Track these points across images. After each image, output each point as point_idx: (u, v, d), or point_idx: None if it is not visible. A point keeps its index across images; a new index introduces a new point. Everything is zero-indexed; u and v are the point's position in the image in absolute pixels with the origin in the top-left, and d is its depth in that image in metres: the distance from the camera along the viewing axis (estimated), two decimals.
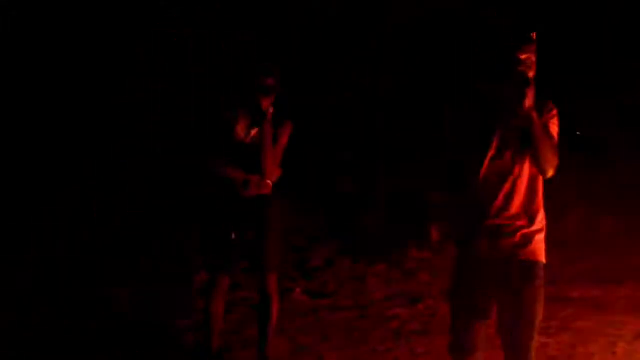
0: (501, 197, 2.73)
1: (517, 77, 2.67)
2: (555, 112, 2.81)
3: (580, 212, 7.41)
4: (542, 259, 2.76)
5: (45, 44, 8.21)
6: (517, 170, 2.74)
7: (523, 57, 2.68)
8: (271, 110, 3.67)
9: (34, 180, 7.16)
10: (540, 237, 2.77)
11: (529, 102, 2.66)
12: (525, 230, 2.73)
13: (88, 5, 8.34)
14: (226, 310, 4.16)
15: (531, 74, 2.69)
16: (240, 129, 3.71)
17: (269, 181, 3.72)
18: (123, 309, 5.02)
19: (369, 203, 7.90)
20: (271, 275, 3.77)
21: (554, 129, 2.78)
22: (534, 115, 2.67)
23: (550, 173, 2.75)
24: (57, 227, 6.67)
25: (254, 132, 3.70)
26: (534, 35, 2.71)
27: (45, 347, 4.29)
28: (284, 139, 3.75)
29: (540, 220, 2.77)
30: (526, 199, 2.76)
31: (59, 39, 8.17)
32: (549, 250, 6.76)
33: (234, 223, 3.73)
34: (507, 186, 2.73)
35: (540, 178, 2.77)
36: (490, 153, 2.70)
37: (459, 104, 2.86)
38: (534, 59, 2.70)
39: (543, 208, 2.79)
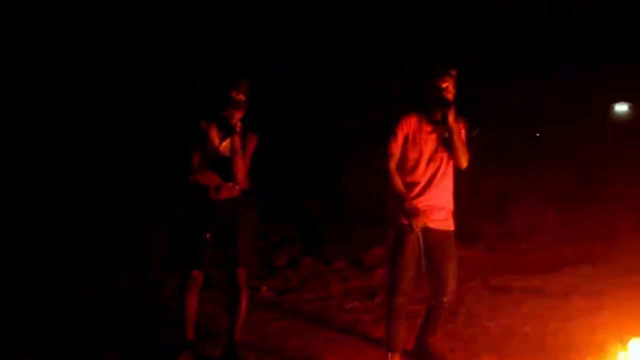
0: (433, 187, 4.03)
1: (440, 100, 3.87)
2: (464, 123, 4.07)
3: (526, 206, 8.18)
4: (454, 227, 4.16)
5: (45, 44, 8.58)
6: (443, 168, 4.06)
7: (443, 84, 3.86)
8: (239, 123, 4.20)
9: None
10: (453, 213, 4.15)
11: (452, 118, 3.88)
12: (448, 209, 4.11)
13: (87, 5, 8.74)
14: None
15: (451, 98, 3.90)
16: (213, 140, 4.23)
17: (238, 187, 4.29)
18: (95, 306, 5.54)
19: (331, 207, 8.53)
20: (241, 269, 4.32)
21: (463, 135, 4.10)
22: (455, 127, 3.92)
23: (465, 164, 4.08)
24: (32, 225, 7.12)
25: (225, 142, 4.23)
26: (454, 70, 3.91)
27: (21, 345, 4.73)
28: (250, 150, 4.31)
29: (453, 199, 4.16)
30: (449, 187, 4.10)
31: (59, 39, 8.54)
32: (502, 245, 7.44)
33: (208, 224, 4.27)
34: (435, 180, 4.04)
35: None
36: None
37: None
38: (452, 87, 3.88)
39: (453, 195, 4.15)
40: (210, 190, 4.25)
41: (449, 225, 4.13)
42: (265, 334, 5.01)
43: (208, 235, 4.24)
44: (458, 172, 4.25)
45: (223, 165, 4.18)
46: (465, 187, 8.44)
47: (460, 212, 7.48)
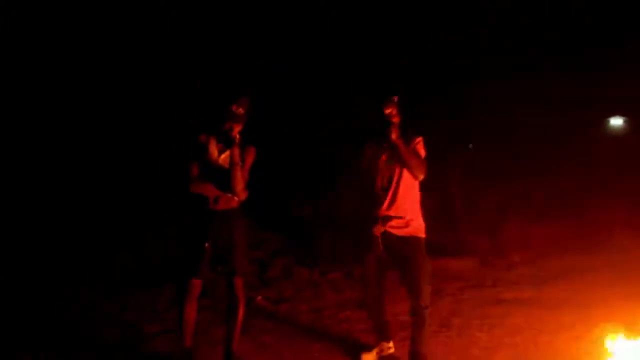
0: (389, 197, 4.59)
1: (385, 123, 4.45)
2: (418, 140, 4.64)
3: (519, 220, 8.35)
4: (422, 235, 4.66)
5: (45, 44, 8.65)
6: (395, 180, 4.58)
7: (387, 111, 4.48)
8: (238, 136, 4.36)
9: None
10: (418, 222, 4.65)
11: (394, 136, 4.44)
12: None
13: (87, 6, 8.82)
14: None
15: (395, 120, 4.48)
16: (212, 152, 4.40)
17: (236, 198, 4.44)
18: (94, 316, 5.62)
19: (325, 219, 8.63)
20: (239, 279, 4.47)
21: (420, 150, 4.62)
22: (399, 142, 4.44)
23: (421, 177, 4.60)
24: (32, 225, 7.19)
25: (224, 155, 4.39)
26: (395, 98, 4.56)
27: (21, 345, 4.85)
28: (249, 162, 4.47)
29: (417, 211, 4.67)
30: (407, 199, 4.60)
31: (59, 39, 8.61)
32: (495, 258, 7.55)
33: (207, 234, 4.41)
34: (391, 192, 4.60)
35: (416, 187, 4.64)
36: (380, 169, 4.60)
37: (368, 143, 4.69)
38: (395, 112, 4.50)
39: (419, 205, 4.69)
40: (209, 201, 4.39)
41: (410, 231, 4.64)
42: (262, 343, 5.13)
43: (206, 244, 4.38)
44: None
45: (222, 177, 4.33)
46: (460, 201, 8.67)
47: (455, 227, 7.67)
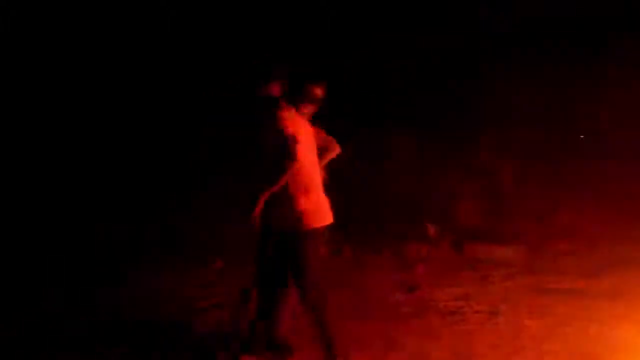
0: None
1: None
2: None
3: (569, 207, 8.27)
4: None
5: (45, 44, 8.82)
6: None
7: None
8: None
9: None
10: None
11: None
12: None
13: (88, 5, 8.96)
14: None
15: None
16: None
17: None
18: (144, 290, 5.87)
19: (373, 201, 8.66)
20: None
21: None
22: None
23: None
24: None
25: None
26: None
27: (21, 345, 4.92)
28: None
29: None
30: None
31: (59, 39, 8.78)
32: (544, 245, 7.43)
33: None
34: None
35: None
36: None
37: None
38: None
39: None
40: None
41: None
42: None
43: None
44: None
45: None
46: (509, 185, 8.56)
47: (502, 211, 7.54)
